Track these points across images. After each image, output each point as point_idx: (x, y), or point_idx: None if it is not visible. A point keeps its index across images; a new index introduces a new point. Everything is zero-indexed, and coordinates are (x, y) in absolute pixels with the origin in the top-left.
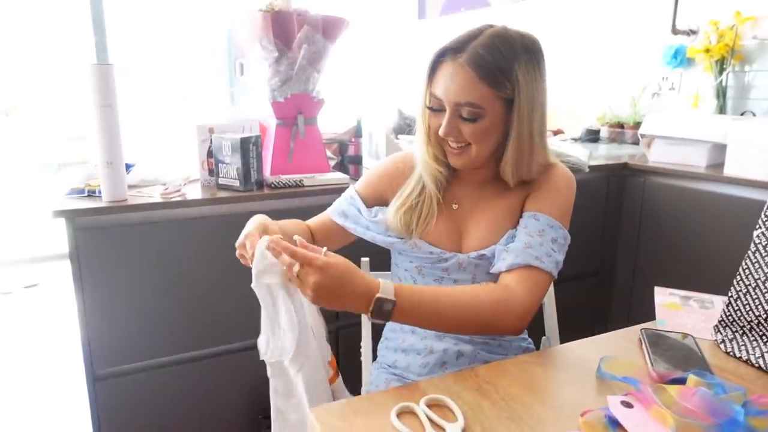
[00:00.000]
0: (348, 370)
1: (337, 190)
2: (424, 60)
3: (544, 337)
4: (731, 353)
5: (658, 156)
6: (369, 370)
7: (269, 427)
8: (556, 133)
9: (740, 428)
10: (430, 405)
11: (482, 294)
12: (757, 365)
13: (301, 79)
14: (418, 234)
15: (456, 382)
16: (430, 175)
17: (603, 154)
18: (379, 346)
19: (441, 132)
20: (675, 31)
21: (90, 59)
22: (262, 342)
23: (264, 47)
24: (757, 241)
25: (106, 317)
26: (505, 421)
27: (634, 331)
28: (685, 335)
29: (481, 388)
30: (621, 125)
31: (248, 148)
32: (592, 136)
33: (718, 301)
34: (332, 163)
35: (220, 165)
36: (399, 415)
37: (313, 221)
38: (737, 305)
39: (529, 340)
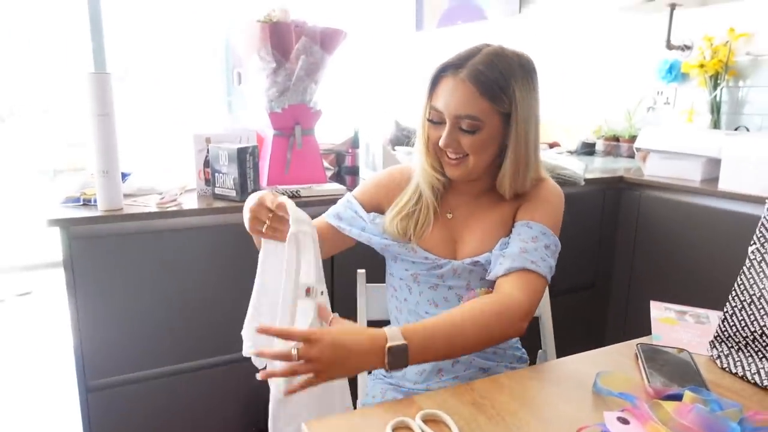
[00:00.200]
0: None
1: (334, 201)
2: (424, 75)
3: (540, 351)
4: (727, 369)
5: (653, 170)
6: (365, 381)
7: None
8: (552, 145)
9: None
10: (426, 420)
11: (485, 308)
12: (752, 381)
13: (299, 89)
14: (415, 240)
15: (452, 396)
16: (427, 183)
17: (599, 167)
18: None
19: (441, 143)
20: (670, 47)
21: (87, 67)
22: (248, 333)
23: (262, 58)
24: (752, 256)
25: (100, 327)
26: None
27: (629, 346)
28: (681, 350)
29: (477, 402)
30: (616, 139)
31: (245, 158)
32: (588, 149)
33: (714, 316)
34: (329, 173)
35: (216, 175)
36: (394, 430)
37: None
38: (733, 321)
39: (523, 350)
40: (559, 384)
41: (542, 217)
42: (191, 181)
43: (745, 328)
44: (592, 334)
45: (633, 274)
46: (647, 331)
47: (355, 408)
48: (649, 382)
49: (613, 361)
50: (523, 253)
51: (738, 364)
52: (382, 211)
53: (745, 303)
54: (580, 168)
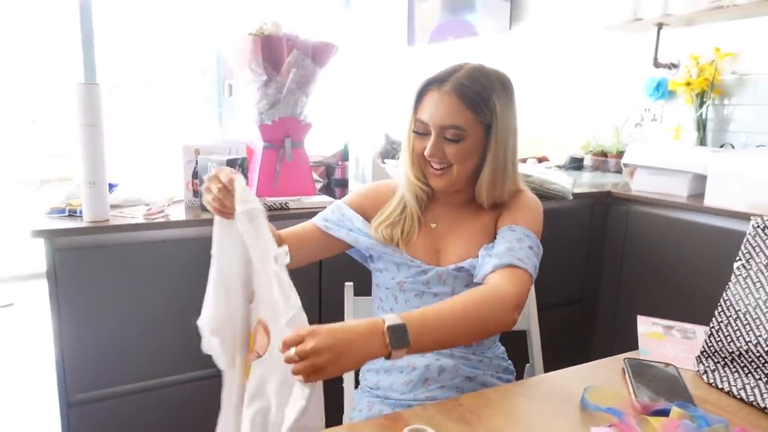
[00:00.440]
0: (330, 397)
1: None
2: (410, 90)
3: (527, 365)
4: (713, 384)
5: (640, 185)
6: (351, 395)
7: None
8: (541, 160)
9: None
10: None
11: (477, 295)
12: (738, 397)
13: (289, 102)
14: (402, 247)
15: (439, 411)
16: (412, 193)
17: (587, 182)
18: (361, 369)
19: (426, 153)
20: (657, 65)
21: (78, 77)
22: (208, 318)
23: (253, 70)
24: (738, 272)
25: (83, 340)
26: None
27: (617, 361)
28: (668, 365)
29: (465, 417)
30: (604, 154)
31: (234, 169)
32: (576, 164)
33: (700, 331)
34: (319, 185)
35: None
36: None
37: (285, 230)
38: (719, 336)
39: (509, 361)
40: (546, 399)
41: (524, 222)
42: (179, 192)
43: (731, 343)
44: (580, 349)
45: (620, 288)
46: (634, 346)
47: (341, 423)
48: (636, 397)
49: (601, 376)
50: (510, 251)
51: (724, 379)
52: (368, 220)
53: (731, 319)
54: (568, 183)
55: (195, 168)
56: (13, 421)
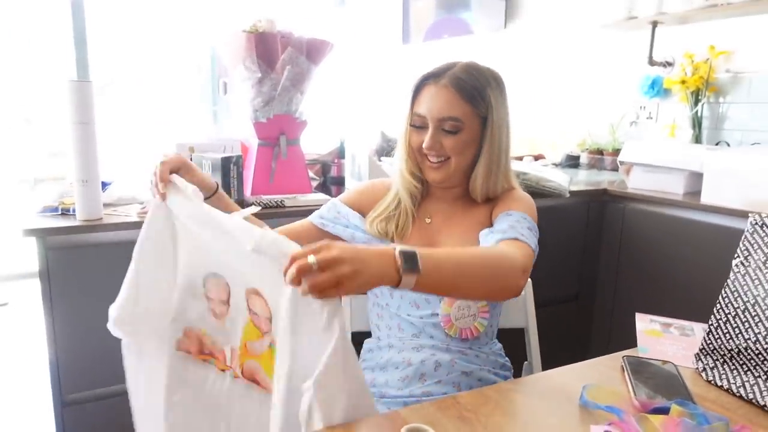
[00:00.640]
0: None
1: None
2: (406, 87)
3: (525, 363)
4: (712, 382)
5: (636, 183)
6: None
7: None
8: (537, 158)
9: None
10: None
11: (486, 249)
12: (738, 394)
13: (284, 100)
14: (397, 240)
15: (437, 410)
16: (406, 189)
17: (583, 179)
18: None
19: (425, 145)
20: (652, 63)
21: (71, 75)
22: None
23: (247, 68)
24: (736, 269)
25: (76, 340)
26: None
27: (615, 358)
28: (667, 362)
29: (463, 416)
30: (600, 152)
31: (229, 167)
32: (572, 162)
33: (699, 329)
34: (315, 183)
35: None
36: None
37: (281, 228)
38: (718, 333)
39: (506, 358)
40: (545, 397)
41: (519, 208)
42: None
43: (730, 341)
44: (577, 346)
45: (617, 285)
46: (632, 343)
47: None
48: (635, 395)
49: (600, 374)
50: (512, 228)
51: (723, 377)
52: (364, 217)
53: (729, 316)
54: (564, 180)
55: None
56: (8, 421)
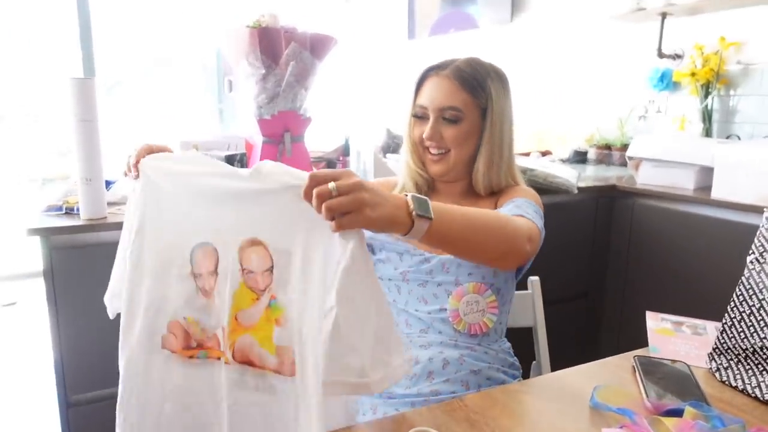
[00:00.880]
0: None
1: None
2: (411, 79)
3: (534, 362)
4: (726, 382)
5: (645, 178)
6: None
7: None
8: (545, 154)
9: None
10: None
11: (497, 212)
12: (753, 395)
13: (288, 96)
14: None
15: (444, 413)
16: (412, 180)
17: (591, 175)
18: None
19: (425, 135)
20: (661, 55)
21: (77, 73)
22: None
23: (251, 63)
24: (751, 266)
25: (81, 340)
26: None
27: (626, 358)
28: (678, 362)
29: (470, 419)
30: (608, 147)
31: (233, 165)
32: (580, 158)
33: (711, 327)
34: None
35: None
36: None
37: None
38: (731, 332)
39: (515, 357)
40: (554, 399)
41: (524, 197)
42: None
43: (745, 340)
44: (586, 344)
45: (627, 282)
46: (641, 342)
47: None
48: (647, 396)
49: (610, 375)
50: (516, 208)
51: (738, 377)
52: None
53: (744, 314)
54: (572, 176)
55: None
56: (14, 421)
